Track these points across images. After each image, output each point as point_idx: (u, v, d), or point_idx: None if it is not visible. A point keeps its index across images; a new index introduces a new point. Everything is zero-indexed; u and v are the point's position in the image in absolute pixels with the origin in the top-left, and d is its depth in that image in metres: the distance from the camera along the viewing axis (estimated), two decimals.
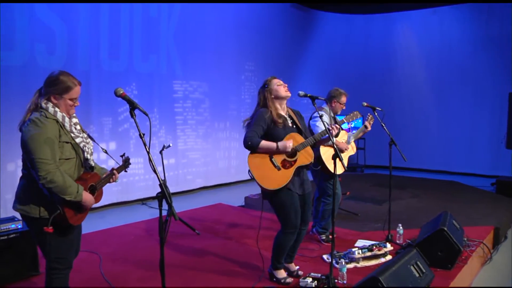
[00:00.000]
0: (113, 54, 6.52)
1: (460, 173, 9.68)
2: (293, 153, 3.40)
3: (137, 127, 2.44)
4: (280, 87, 3.48)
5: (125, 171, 3.10)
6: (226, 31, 8.26)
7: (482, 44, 9.37)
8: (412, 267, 3.19)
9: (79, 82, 2.63)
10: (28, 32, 5.52)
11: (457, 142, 9.83)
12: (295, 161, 3.40)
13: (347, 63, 10.93)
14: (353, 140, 4.80)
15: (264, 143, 3.33)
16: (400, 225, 4.66)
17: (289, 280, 3.58)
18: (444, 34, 9.92)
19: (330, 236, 4.68)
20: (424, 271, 3.25)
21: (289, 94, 3.53)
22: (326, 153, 4.37)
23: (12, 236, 3.67)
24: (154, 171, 2.38)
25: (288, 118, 3.55)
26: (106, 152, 2.94)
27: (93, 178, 2.71)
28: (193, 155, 7.84)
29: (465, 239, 4.56)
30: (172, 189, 7.41)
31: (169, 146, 4.95)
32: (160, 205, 2.38)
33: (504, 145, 7.59)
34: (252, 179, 3.38)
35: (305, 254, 4.27)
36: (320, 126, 4.30)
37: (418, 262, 3.27)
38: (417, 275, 3.16)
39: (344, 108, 4.72)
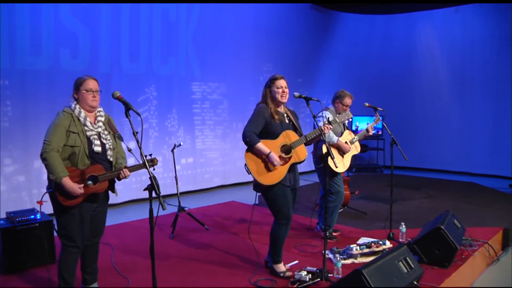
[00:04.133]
0: (134, 57, 6.84)
1: (482, 175, 9.53)
2: (288, 150, 3.58)
3: (131, 126, 2.69)
4: (279, 91, 3.62)
5: (153, 168, 3.21)
6: (244, 33, 8.46)
7: (505, 43, 9.18)
8: (400, 263, 3.28)
9: (94, 78, 3.18)
10: (53, 37, 5.89)
11: (479, 143, 9.68)
12: (290, 158, 3.59)
13: (368, 63, 10.93)
14: (357, 140, 4.89)
15: (260, 146, 3.52)
16: (403, 223, 4.73)
17: (289, 274, 3.72)
18: (466, 33, 9.79)
19: (334, 233, 4.86)
20: (413, 266, 3.34)
21: (284, 101, 3.68)
22: None
23: (31, 226, 3.98)
24: (145, 165, 2.61)
25: (285, 116, 3.72)
26: (130, 151, 3.20)
27: (97, 170, 3.05)
28: (211, 154, 8.09)
29: (469, 238, 4.59)
30: (189, 187, 7.70)
31: (179, 145, 5.25)
32: (150, 196, 2.60)
33: None
34: (249, 173, 3.57)
35: (307, 250, 4.42)
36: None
37: (407, 258, 3.36)
38: (405, 270, 3.25)
39: (347, 110, 4.77)
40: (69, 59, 6.09)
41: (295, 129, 3.73)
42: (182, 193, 7.42)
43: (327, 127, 3.65)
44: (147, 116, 7.07)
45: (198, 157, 7.87)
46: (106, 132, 3.17)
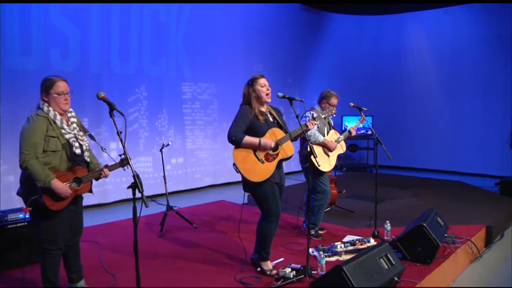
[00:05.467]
0: (124, 58, 6.88)
1: (470, 174, 9.68)
2: (275, 147, 3.64)
3: (115, 126, 2.74)
4: (263, 90, 3.68)
5: (124, 169, 3.27)
6: (234, 33, 8.52)
7: (493, 43, 9.35)
8: (381, 259, 3.35)
9: (63, 79, 3.09)
10: (43, 38, 5.91)
11: (468, 142, 9.82)
12: (277, 154, 3.65)
13: (359, 63, 11.04)
14: (342, 139, 4.97)
15: (247, 138, 3.55)
16: (387, 221, 4.81)
17: (275, 271, 3.78)
18: (455, 34, 9.93)
19: (320, 231, 4.93)
20: (393, 263, 3.42)
21: (269, 100, 3.74)
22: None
23: (20, 225, 4.01)
24: (128, 163, 2.68)
25: (269, 114, 3.79)
26: (104, 151, 3.29)
27: (80, 172, 3.07)
28: (202, 154, 8.15)
29: (452, 236, 4.68)
30: (180, 187, 7.76)
31: (168, 144, 5.32)
32: (134, 194, 2.66)
33: (509, 146, 7.59)
34: (238, 172, 3.59)
35: (293, 248, 4.50)
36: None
37: (389, 255, 3.44)
38: (386, 267, 3.33)
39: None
40: (59, 59, 6.12)
41: (280, 127, 3.78)
42: (173, 193, 7.50)
43: (312, 123, 3.71)
44: (137, 117, 7.11)
45: (189, 157, 7.92)
46: (81, 134, 3.17)
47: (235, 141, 3.56)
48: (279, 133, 3.70)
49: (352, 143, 10.64)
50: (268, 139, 3.59)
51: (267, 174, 3.60)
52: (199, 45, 7.90)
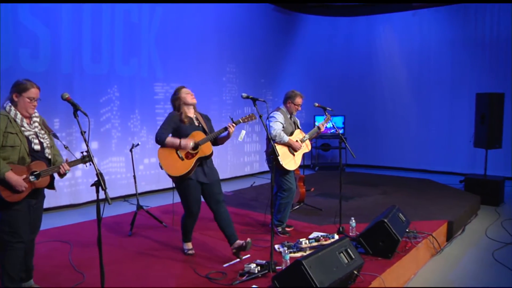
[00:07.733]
0: (95, 58, 6.87)
1: (438, 172, 9.98)
2: (195, 146, 4.05)
3: (79, 126, 2.83)
4: (188, 95, 4.20)
5: (86, 166, 3.41)
6: (207, 34, 8.59)
7: (460, 45, 9.69)
8: (341, 254, 3.50)
9: (37, 86, 3.27)
10: (12, 37, 5.85)
11: (436, 141, 10.14)
12: (197, 153, 4.07)
13: (331, 64, 11.23)
14: (307, 139, 5.12)
15: (169, 139, 4.05)
16: (352, 218, 4.98)
17: (191, 252, 4.34)
18: (423, 35, 10.24)
19: (287, 229, 5.07)
20: (353, 257, 3.57)
21: (195, 101, 4.25)
22: (279, 150, 4.70)
23: None
24: (92, 162, 2.76)
25: (194, 120, 4.20)
26: (67, 148, 3.46)
27: (39, 166, 3.19)
28: None
29: (414, 231, 4.87)
30: (153, 187, 7.80)
31: (137, 144, 5.40)
32: (97, 191, 2.74)
33: (472, 144, 7.87)
34: (162, 169, 4.07)
35: (260, 245, 4.61)
36: (273, 126, 4.73)
37: (348, 250, 3.58)
38: (345, 261, 3.48)
39: (299, 109, 5.05)
40: (29, 59, 6.07)
41: (204, 131, 4.18)
42: (145, 193, 7.54)
43: (232, 126, 4.11)
44: (109, 117, 7.12)
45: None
46: (42, 132, 3.32)
47: (160, 141, 4.06)
48: (200, 136, 4.12)
49: (325, 142, 10.84)
50: (188, 140, 4.03)
51: (185, 169, 4.03)
52: (171, 46, 7.94)
